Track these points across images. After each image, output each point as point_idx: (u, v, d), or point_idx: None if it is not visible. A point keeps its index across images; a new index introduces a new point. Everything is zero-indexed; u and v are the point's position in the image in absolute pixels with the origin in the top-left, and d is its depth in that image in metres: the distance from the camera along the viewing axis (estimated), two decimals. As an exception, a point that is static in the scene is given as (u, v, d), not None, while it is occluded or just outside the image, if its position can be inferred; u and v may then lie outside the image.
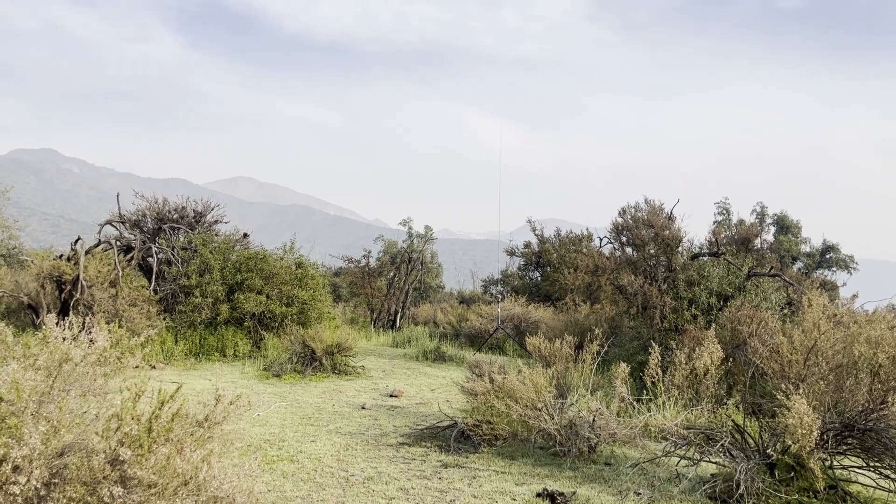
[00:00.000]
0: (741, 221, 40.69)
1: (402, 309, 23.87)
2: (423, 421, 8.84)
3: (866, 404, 5.77)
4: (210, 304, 14.67)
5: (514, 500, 5.71)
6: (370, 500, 5.57)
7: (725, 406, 7.68)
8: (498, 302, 21.79)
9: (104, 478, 2.87)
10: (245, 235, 17.97)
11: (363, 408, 9.70)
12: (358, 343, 14.27)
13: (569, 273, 20.51)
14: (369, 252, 24.55)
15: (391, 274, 24.48)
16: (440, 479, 6.28)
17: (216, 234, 17.35)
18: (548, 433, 7.18)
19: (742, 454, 6.17)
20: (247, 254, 16.13)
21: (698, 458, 6.21)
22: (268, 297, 15.33)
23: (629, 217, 14.88)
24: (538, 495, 5.78)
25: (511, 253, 28.70)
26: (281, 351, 13.58)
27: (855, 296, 11.55)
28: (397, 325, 23.33)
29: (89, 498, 2.82)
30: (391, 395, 10.88)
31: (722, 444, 6.03)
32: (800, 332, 6.28)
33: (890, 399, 5.47)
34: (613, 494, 5.97)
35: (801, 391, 5.77)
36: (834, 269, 51.18)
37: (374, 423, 8.69)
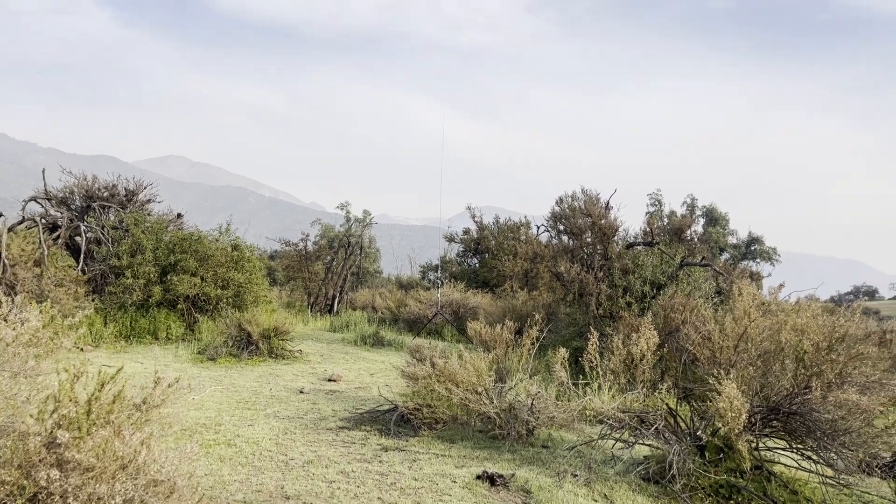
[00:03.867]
0: (672, 213, 41.89)
1: (340, 293, 23.68)
2: (363, 405, 8.82)
3: (791, 389, 6.04)
4: (142, 285, 14.23)
5: (455, 482, 5.77)
6: (310, 484, 5.53)
7: (659, 391, 7.92)
8: (437, 287, 21.87)
9: (40, 461, 2.76)
10: (179, 216, 17.48)
11: (301, 392, 9.61)
12: (295, 327, 14.10)
13: (507, 260, 20.71)
14: (307, 235, 24.23)
15: (329, 258, 24.24)
16: (380, 462, 6.29)
17: (149, 214, 16.81)
18: (488, 417, 7.27)
19: (674, 437, 6.39)
20: (181, 235, 15.70)
21: (633, 440, 6.40)
22: (202, 279, 14.97)
23: (566, 206, 15.12)
24: (478, 477, 5.85)
25: (450, 239, 28.81)
26: (216, 334, 13.29)
27: (781, 286, 12.04)
28: (335, 309, 23.15)
29: (24, 481, 2.71)
30: (330, 380, 10.81)
31: (656, 428, 6.23)
32: (731, 319, 6.52)
33: (813, 384, 5.74)
34: (551, 476, 6.10)
35: (731, 376, 6.00)
36: (758, 260, 53.33)
37: (313, 408, 8.63)
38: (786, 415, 5.98)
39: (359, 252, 25.14)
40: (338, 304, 23.20)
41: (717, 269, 13.55)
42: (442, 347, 8.79)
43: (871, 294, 76.58)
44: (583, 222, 13.95)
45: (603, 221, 13.46)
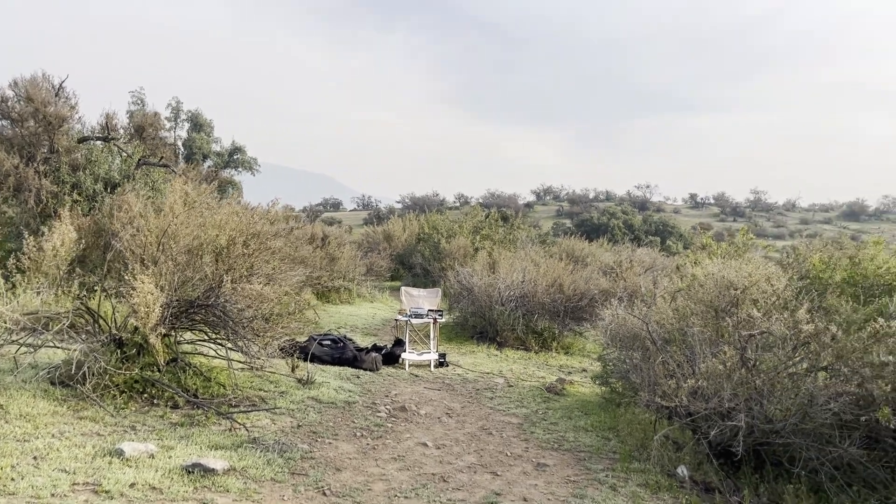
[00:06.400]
0: (156, 114, 39.98)
1: None
2: None
3: (210, 283, 6.29)
4: None
5: None
6: None
7: (94, 292, 7.46)
8: None
9: None
10: None
11: None
12: None
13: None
14: None
15: None
16: None
17: None
18: None
19: (93, 337, 6.10)
20: None
21: (39, 344, 5.89)
22: None
23: (21, 89, 13.01)
24: None
25: None
26: None
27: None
28: None
29: None
30: None
31: (66, 328, 5.84)
32: (157, 216, 6.43)
33: (226, 278, 6.06)
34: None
35: (150, 272, 5.94)
36: (240, 169, 55.18)
37: None
38: (202, 308, 6.21)
39: None
40: None
41: (175, 170, 13.40)
42: None
43: (337, 206, 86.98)
44: (25, 108, 12.15)
45: (50, 109, 11.94)
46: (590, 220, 57.55)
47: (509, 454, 5.80)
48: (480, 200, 73.36)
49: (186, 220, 6.40)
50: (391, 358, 9.09)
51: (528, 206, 76.93)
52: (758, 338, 5.16)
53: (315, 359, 8.26)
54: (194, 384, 6.24)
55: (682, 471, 5.34)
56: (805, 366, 5.01)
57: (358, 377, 8.07)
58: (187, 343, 6.77)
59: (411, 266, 21.74)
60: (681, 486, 5.19)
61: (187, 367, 6.35)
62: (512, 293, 11.61)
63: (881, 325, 4.69)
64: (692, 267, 6.82)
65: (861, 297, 5.80)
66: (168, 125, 47.85)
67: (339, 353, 8.55)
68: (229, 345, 6.51)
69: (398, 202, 77.91)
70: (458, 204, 77.35)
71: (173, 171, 13.00)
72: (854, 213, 75.86)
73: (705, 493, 5.14)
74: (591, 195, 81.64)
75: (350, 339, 9.12)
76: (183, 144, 49.66)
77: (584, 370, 10.08)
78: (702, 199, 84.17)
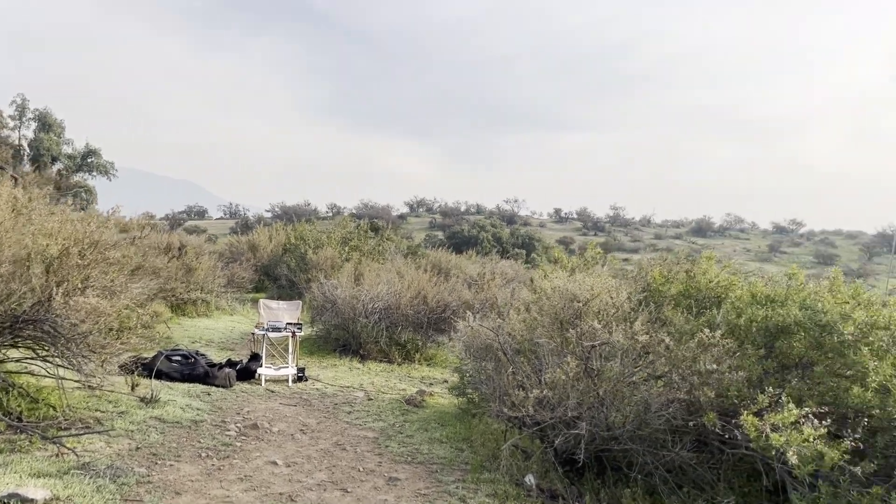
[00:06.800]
0: (-1, 111, 36.98)
1: None
2: None
3: (39, 296, 5.80)
4: None
5: None
6: None
7: None
8: None
9: None
10: None
11: None
12: None
13: None
14: None
15: None
16: None
17: None
18: None
19: None
20: None
21: None
22: None
23: None
24: None
25: None
26: None
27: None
28: None
29: None
30: None
31: None
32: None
33: (57, 291, 5.61)
34: None
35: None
36: (95, 173, 51.77)
37: None
38: (30, 323, 5.72)
39: None
40: None
41: (14, 174, 12.35)
42: None
43: (202, 214, 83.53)
44: None
45: None
46: (461, 233, 58.60)
47: (362, 469, 5.73)
48: (354, 211, 72.86)
49: (13, 228, 5.88)
50: (247, 373, 8.76)
51: (402, 217, 77.31)
52: (599, 348, 5.39)
53: (162, 375, 7.83)
54: (18, 406, 5.72)
55: (530, 479, 5.48)
56: (644, 375, 5.29)
57: (209, 394, 7.71)
58: (14, 361, 6.20)
59: (276, 277, 21.18)
60: (528, 494, 5.32)
61: (11, 388, 5.82)
62: (376, 305, 11.55)
63: (707, 336, 5.03)
64: (542, 280, 7.06)
65: (694, 309, 6.20)
66: (11, 124, 44.26)
67: (190, 369, 8.14)
68: (59, 362, 6.03)
69: (268, 211, 75.80)
70: (330, 214, 76.42)
71: (10, 173, 11.98)
72: (702, 229, 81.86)
73: (551, 500, 5.29)
74: (463, 208, 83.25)
75: (202, 355, 8.71)
76: (29, 145, 46.04)
77: (446, 381, 10.17)
78: (566, 213, 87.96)
